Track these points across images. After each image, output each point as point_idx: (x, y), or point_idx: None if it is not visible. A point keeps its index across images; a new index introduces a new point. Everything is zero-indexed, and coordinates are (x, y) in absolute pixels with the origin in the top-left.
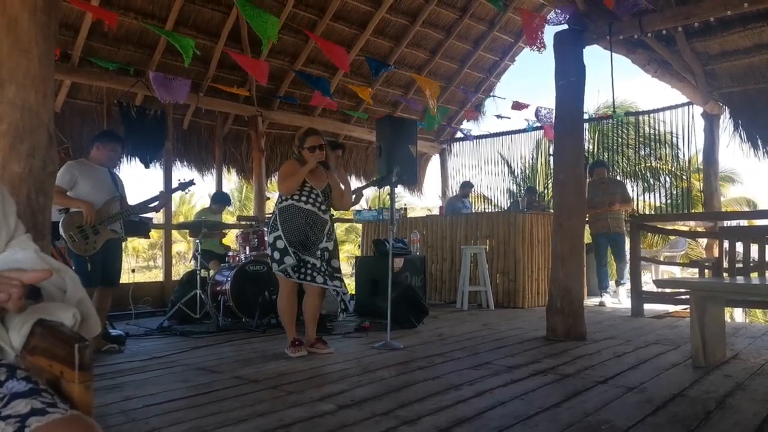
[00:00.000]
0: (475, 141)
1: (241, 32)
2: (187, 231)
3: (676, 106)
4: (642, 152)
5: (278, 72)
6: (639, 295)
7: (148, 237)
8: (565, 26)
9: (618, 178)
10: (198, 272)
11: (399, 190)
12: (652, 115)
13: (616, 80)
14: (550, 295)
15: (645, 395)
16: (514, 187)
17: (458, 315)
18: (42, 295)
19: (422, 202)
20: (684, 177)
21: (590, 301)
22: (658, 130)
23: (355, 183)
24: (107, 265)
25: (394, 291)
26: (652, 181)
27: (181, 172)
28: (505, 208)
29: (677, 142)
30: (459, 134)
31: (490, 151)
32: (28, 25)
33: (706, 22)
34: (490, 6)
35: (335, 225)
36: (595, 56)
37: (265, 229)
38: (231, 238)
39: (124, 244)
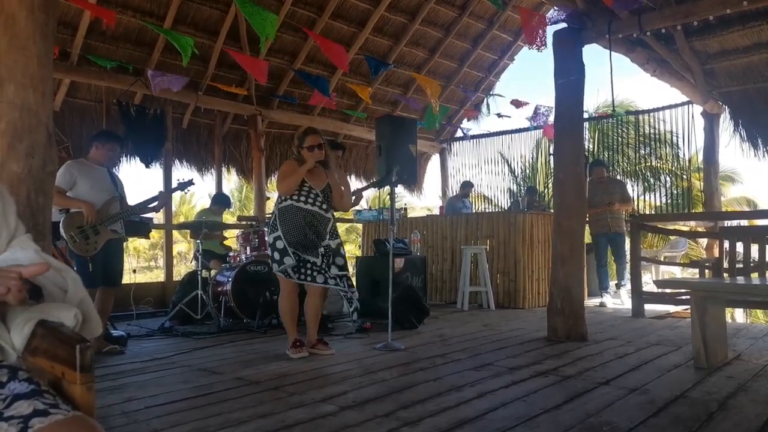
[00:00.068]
0: (475, 140)
1: (240, 31)
2: (188, 231)
3: (676, 105)
4: (642, 151)
5: (277, 71)
6: (640, 296)
7: (148, 237)
8: (564, 25)
9: (618, 177)
10: (199, 273)
11: (399, 189)
12: (652, 114)
13: (615, 79)
14: (550, 296)
15: (647, 396)
16: (515, 186)
17: (459, 315)
18: (43, 295)
19: (422, 201)
20: (684, 176)
21: (591, 302)
22: (658, 130)
23: (354, 183)
24: (108, 265)
25: (394, 291)
26: (652, 180)
27: (181, 172)
28: (506, 207)
29: (677, 141)
30: (459, 133)
31: (490, 151)
32: (26, 23)
33: (706, 20)
34: (489, 4)
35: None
36: (594, 55)
37: (266, 229)
38: (231, 240)
39: (125, 244)
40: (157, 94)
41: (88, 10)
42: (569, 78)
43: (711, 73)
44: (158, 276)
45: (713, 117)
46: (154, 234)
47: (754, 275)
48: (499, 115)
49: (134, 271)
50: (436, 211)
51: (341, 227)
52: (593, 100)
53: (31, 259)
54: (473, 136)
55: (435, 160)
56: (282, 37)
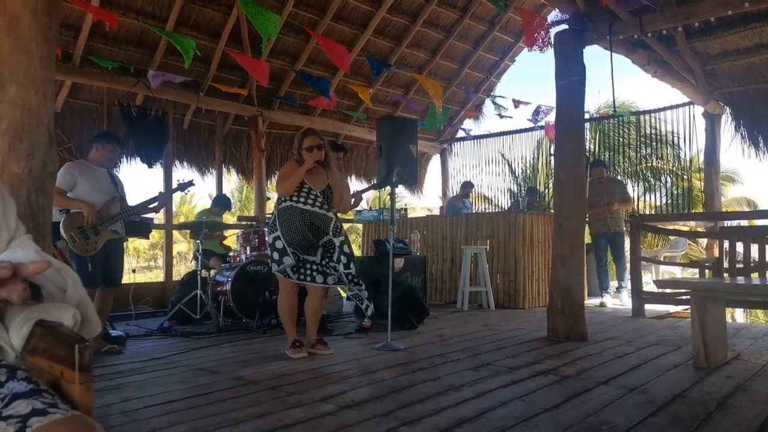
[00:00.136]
0: (475, 141)
1: (242, 32)
2: (188, 231)
3: (677, 106)
4: (643, 152)
5: (279, 72)
6: (640, 296)
7: (148, 237)
8: (565, 26)
9: (619, 177)
10: (198, 272)
11: (400, 190)
12: (653, 114)
13: (616, 80)
14: (550, 296)
15: (646, 396)
16: (515, 187)
17: (459, 315)
18: (42, 294)
19: (423, 202)
20: (685, 177)
21: (591, 302)
22: (659, 130)
23: (355, 183)
24: (108, 265)
25: (394, 291)
26: (653, 180)
27: (181, 173)
28: (506, 208)
29: (678, 141)
30: (460, 134)
31: (491, 151)
32: (29, 25)
33: (707, 21)
34: (490, 6)
35: None
36: (595, 56)
37: (266, 229)
38: (231, 240)
39: (125, 244)
40: (159, 95)
41: (91, 12)
42: (570, 79)
43: (712, 74)
44: (158, 276)
45: (714, 118)
46: (154, 234)
47: (754, 275)
48: (501, 116)
49: (134, 271)
50: (437, 212)
51: None
52: (594, 100)
53: (31, 259)
54: (474, 137)
55: (435, 161)
56: (283, 39)
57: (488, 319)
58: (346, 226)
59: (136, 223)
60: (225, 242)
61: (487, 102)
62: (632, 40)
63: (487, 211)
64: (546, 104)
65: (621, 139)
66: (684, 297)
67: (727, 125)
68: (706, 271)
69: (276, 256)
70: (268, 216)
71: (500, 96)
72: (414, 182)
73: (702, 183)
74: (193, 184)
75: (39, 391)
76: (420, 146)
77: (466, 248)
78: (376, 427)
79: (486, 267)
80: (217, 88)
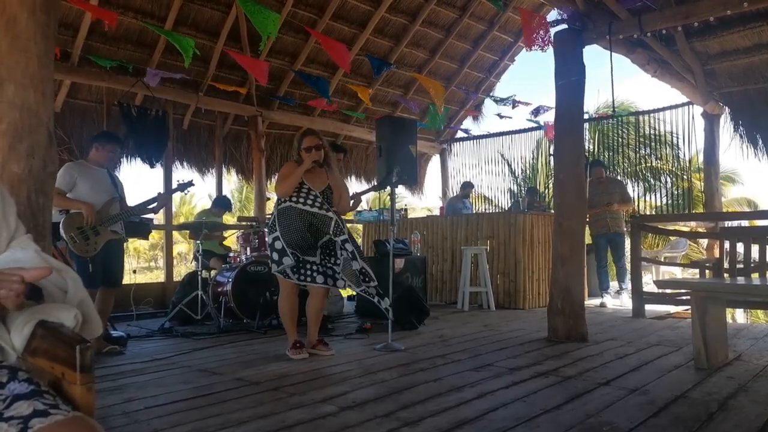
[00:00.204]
0: (475, 141)
1: (241, 32)
2: (188, 232)
3: (677, 106)
4: (642, 152)
5: (278, 72)
6: (640, 296)
7: (148, 238)
8: (565, 26)
9: (618, 178)
10: (199, 273)
11: (400, 190)
12: (652, 114)
13: (616, 80)
14: (550, 296)
15: (647, 397)
16: (515, 187)
17: (459, 316)
18: (43, 295)
19: (423, 202)
20: (685, 177)
21: (591, 302)
22: (659, 130)
23: (355, 183)
24: (108, 266)
25: (394, 292)
26: (652, 181)
27: (181, 173)
28: (506, 208)
29: (678, 141)
30: (459, 134)
31: (491, 151)
32: (27, 24)
33: (706, 21)
34: (489, 5)
35: None
36: (594, 56)
37: (266, 229)
38: (231, 240)
39: (125, 245)
40: (158, 95)
41: (90, 11)
42: (570, 79)
43: (711, 74)
44: (158, 276)
45: (714, 118)
46: (154, 234)
47: (755, 276)
48: (500, 116)
49: (134, 272)
50: (437, 212)
51: None
52: (594, 100)
53: (32, 260)
54: (473, 137)
55: (435, 161)
56: (283, 38)
57: (489, 320)
58: (347, 226)
59: (136, 223)
60: (225, 242)
61: (487, 102)
62: (632, 39)
63: (487, 211)
64: (545, 104)
65: (620, 139)
66: (684, 297)
67: (726, 125)
68: (707, 271)
69: (276, 256)
70: (268, 216)
71: (501, 98)
72: (414, 182)
73: (702, 183)
74: (193, 185)
75: (40, 392)
76: (420, 146)
77: (467, 249)
78: (377, 427)
79: (486, 267)
80: (217, 87)
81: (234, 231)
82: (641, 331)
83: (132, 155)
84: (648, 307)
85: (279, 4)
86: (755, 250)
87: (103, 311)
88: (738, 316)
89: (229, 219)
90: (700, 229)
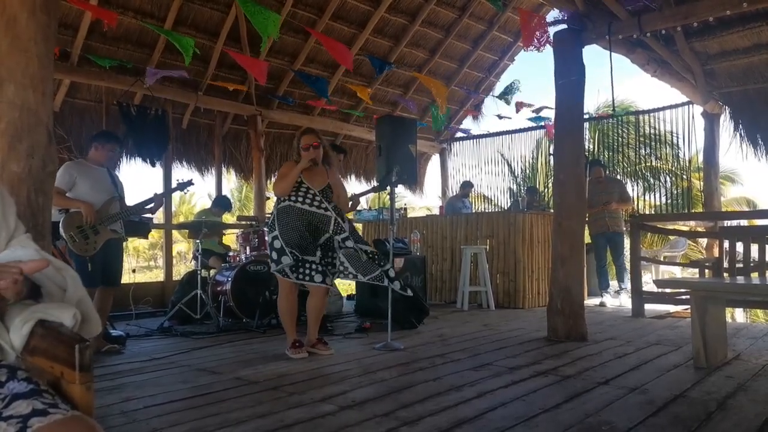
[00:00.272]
0: (475, 140)
1: (241, 31)
2: (187, 231)
3: (677, 106)
4: (642, 152)
5: (278, 71)
6: (639, 296)
7: (147, 237)
8: (564, 26)
9: (618, 177)
10: (198, 272)
11: (399, 189)
12: (652, 114)
13: (615, 80)
14: (550, 296)
15: (646, 396)
16: (515, 186)
17: (459, 315)
18: (42, 293)
19: (422, 201)
20: (684, 176)
21: (591, 302)
22: (659, 130)
23: (354, 182)
24: (108, 265)
25: (394, 291)
26: (652, 180)
27: (181, 172)
28: (506, 207)
29: (677, 141)
30: (459, 133)
31: (491, 151)
32: (27, 24)
33: (705, 21)
34: (489, 5)
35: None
36: (594, 56)
37: (266, 229)
38: (230, 238)
39: (124, 244)
40: (157, 94)
41: (90, 11)
42: (569, 79)
43: (711, 74)
44: (158, 276)
45: (713, 117)
46: (154, 234)
47: (754, 275)
48: (500, 117)
49: (134, 271)
50: (436, 211)
51: None
52: (594, 100)
53: (31, 257)
54: (473, 136)
55: (435, 160)
56: (282, 38)
57: (488, 319)
58: None
59: (136, 222)
60: (224, 241)
61: (487, 102)
62: (631, 39)
63: (486, 210)
64: (545, 104)
65: (620, 139)
66: (684, 297)
67: (726, 125)
68: (706, 270)
69: (275, 255)
70: (267, 215)
71: (504, 92)
72: (413, 182)
73: (701, 183)
74: (193, 184)
75: (39, 391)
76: (419, 146)
77: (466, 248)
78: (377, 427)
79: (486, 267)
80: (217, 85)
81: (233, 230)
82: (641, 331)
83: (131, 155)
84: (647, 306)
85: (279, 4)
86: (755, 249)
87: (101, 310)
88: (737, 315)
89: (228, 218)
90: (699, 229)
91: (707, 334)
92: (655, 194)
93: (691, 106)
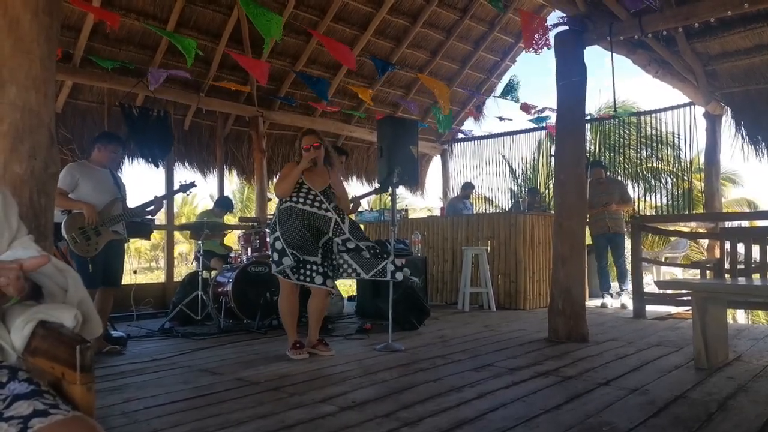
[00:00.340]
0: (476, 141)
1: (243, 33)
2: (189, 232)
3: (678, 107)
4: (643, 153)
5: (279, 73)
6: (641, 297)
7: (149, 238)
8: (566, 27)
9: (619, 178)
10: (200, 273)
11: (401, 191)
12: (653, 115)
13: (617, 80)
14: (551, 297)
15: (647, 397)
16: (516, 187)
17: (459, 316)
18: (43, 294)
19: (423, 202)
20: (685, 178)
21: (592, 303)
22: (660, 131)
23: (356, 184)
24: (109, 266)
25: (395, 292)
26: (653, 181)
27: (183, 173)
28: (507, 208)
29: (679, 142)
30: (460, 134)
31: (492, 152)
32: (30, 26)
33: (707, 22)
34: (490, 7)
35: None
36: (596, 56)
37: (267, 230)
38: (232, 239)
39: (126, 245)
40: (159, 95)
41: (92, 12)
42: (571, 79)
43: (713, 75)
44: (159, 277)
45: (715, 118)
46: (156, 235)
47: (756, 276)
48: (501, 118)
49: (135, 272)
50: (437, 212)
51: None
52: (595, 101)
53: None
54: (474, 138)
55: (436, 162)
56: (284, 40)
57: (489, 320)
58: None
59: (138, 223)
60: (225, 242)
61: (488, 102)
62: (632, 40)
63: (487, 211)
64: (546, 105)
65: (621, 140)
66: (685, 298)
67: (727, 126)
68: (707, 272)
69: (276, 256)
70: (269, 217)
71: (511, 94)
72: (415, 183)
73: (702, 184)
74: (195, 185)
75: (40, 392)
76: (420, 147)
77: (467, 249)
78: (377, 428)
79: (487, 268)
80: (218, 87)
81: (235, 231)
82: (642, 332)
83: (134, 156)
84: (649, 307)
85: (280, 6)
86: (756, 250)
87: (102, 311)
88: (739, 316)
89: (230, 219)
90: (700, 230)
91: (708, 335)
92: (656, 195)
93: (692, 106)
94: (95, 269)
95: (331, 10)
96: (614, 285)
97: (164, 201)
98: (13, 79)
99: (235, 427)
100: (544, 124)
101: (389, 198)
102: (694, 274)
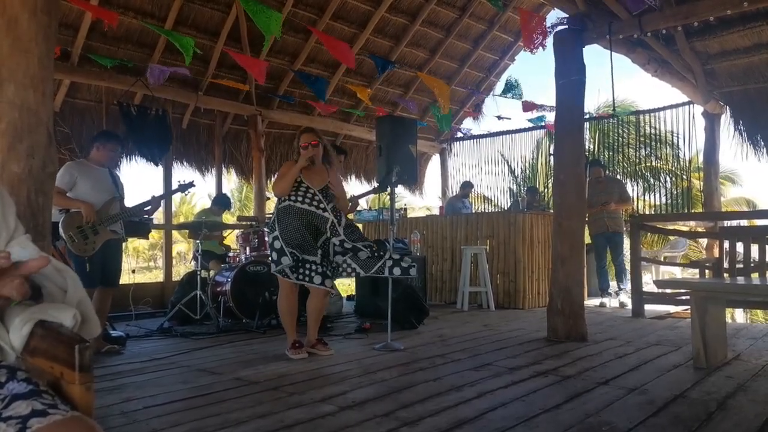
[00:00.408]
0: (475, 140)
1: (241, 32)
2: (187, 231)
3: (677, 106)
4: (642, 152)
5: (278, 71)
6: (640, 296)
7: (147, 238)
8: (565, 26)
9: (618, 177)
10: (198, 273)
11: (399, 190)
12: (652, 114)
13: (616, 79)
14: (550, 296)
15: (646, 396)
16: (515, 186)
17: (459, 316)
18: (42, 294)
19: (422, 201)
20: (684, 177)
21: (591, 302)
22: (659, 130)
23: (355, 183)
24: (107, 265)
25: (394, 291)
26: (652, 180)
27: (181, 172)
28: (506, 208)
29: (678, 141)
30: (459, 134)
31: (491, 151)
32: (28, 25)
33: (706, 21)
34: (489, 5)
35: None
36: (595, 55)
37: (266, 229)
38: (231, 239)
39: (124, 244)
40: (157, 94)
41: (90, 11)
42: (570, 78)
43: (712, 74)
44: (157, 276)
45: (714, 117)
46: (154, 234)
47: (755, 275)
48: (500, 117)
49: (133, 272)
50: (436, 211)
51: None
52: (594, 100)
53: (32, 258)
54: (473, 137)
55: (435, 160)
56: (283, 38)
57: (488, 320)
58: None
59: (136, 223)
60: (224, 242)
61: (487, 101)
62: (632, 39)
63: (486, 211)
64: (544, 103)
65: (620, 139)
66: (684, 297)
67: (726, 125)
68: (706, 271)
69: (275, 256)
70: (268, 216)
71: (512, 91)
72: (413, 182)
73: (701, 183)
74: (194, 185)
75: (39, 392)
76: (419, 146)
77: (466, 248)
78: (377, 427)
79: (486, 267)
80: (217, 85)
81: (234, 231)
82: (641, 331)
83: (132, 155)
84: (648, 306)
85: (279, 4)
86: (755, 249)
87: (100, 311)
88: (737, 315)
89: (228, 218)
90: (699, 229)
91: (707, 334)
92: (655, 194)
93: (691, 105)
94: (93, 269)
95: (330, 8)
96: (612, 284)
97: (162, 200)
98: (12, 78)
99: (234, 427)
100: (542, 123)
101: (388, 197)
102: (692, 274)
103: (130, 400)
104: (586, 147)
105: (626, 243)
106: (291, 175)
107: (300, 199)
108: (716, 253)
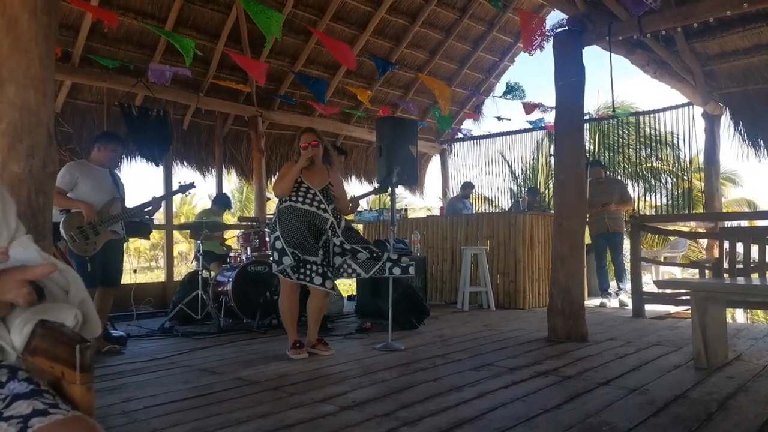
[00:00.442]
0: (475, 141)
1: (241, 33)
2: (188, 232)
3: (677, 107)
4: (643, 152)
5: (278, 73)
6: (640, 296)
7: (148, 238)
8: (565, 27)
9: (619, 178)
10: (200, 273)
11: (400, 190)
12: (652, 115)
13: (615, 80)
14: (550, 296)
15: (647, 397)
16: (515, 187)
17: (459, 316)
18: (45, 295)
19: (423, 202)
20: (685, 177)
21: (591, 302)
22: (659, 131)
23: (355, 183)
24: (108, 265)
25: (394, 292)
26: (652, 181)
27: (182, 173)
28: (506, 208)
29: (678, 142)
30: (459, 134)
31: (491, 152)
32: (29, 25)
33: (705, 22)
34: (489, 6)
35: None
36: (594, 56)
37: (266, 229)
38: (232, 239)
39: (125, 244)
40: (158, 95)
41: (90, 12)
42: (570, 79)
43: (711, 75)
44: (159, 276)
45: (714, 118)
46: (155, 234)
47: (755, 276)
48: (500, 118)
49: (135, 272)
50: (437, 212)
51: None
52: (594, 101)
53: (35, 260)
54: (474, 137)
55: (435, 161)
56: (283, 39)
57: (488, 320)
58: None
59: (137, 223)
60: (225, 242)
61: (487, 102)
62: (631, 40)
63: (487, 211)
64: (546, 105)
65: (620, 140)
66: (684, 297)
67: (726, 126)
68: (707, 271)
69: (276, 256)
70: (268, 216)
71: (514, 92)
72: (414, 183)
73: (702, 183)
74: (194, 186)
75: (40, 391)
76: (420, 146)
77: (467, 249)
78: (377, 427)
79: (486, 267)
80: (218, 85)
81: (234, 231)
82: (641, 331)
83: (132, 155)
84: (648, 307)
85: (279, 5)
86: (755, 250)
87: (101, 311)
88: (738, 316)
89: (229, 219)
90: (699, 230)
91: (708, 334)
92: (655, 195)
93: (691, 107)
94: (94, 269)
95: (330, 9)
96: (613, 284)
97: (163, 201)
98: (12, 78)
99: (235, 427)
100: (542, 124)
101: (389, 198)
102: (693, 274)
103: (130, 400)
104: (587, 148)
105: (626, 243)
106: (291, 176)
107: (301, 199)
108: (716, 253)
